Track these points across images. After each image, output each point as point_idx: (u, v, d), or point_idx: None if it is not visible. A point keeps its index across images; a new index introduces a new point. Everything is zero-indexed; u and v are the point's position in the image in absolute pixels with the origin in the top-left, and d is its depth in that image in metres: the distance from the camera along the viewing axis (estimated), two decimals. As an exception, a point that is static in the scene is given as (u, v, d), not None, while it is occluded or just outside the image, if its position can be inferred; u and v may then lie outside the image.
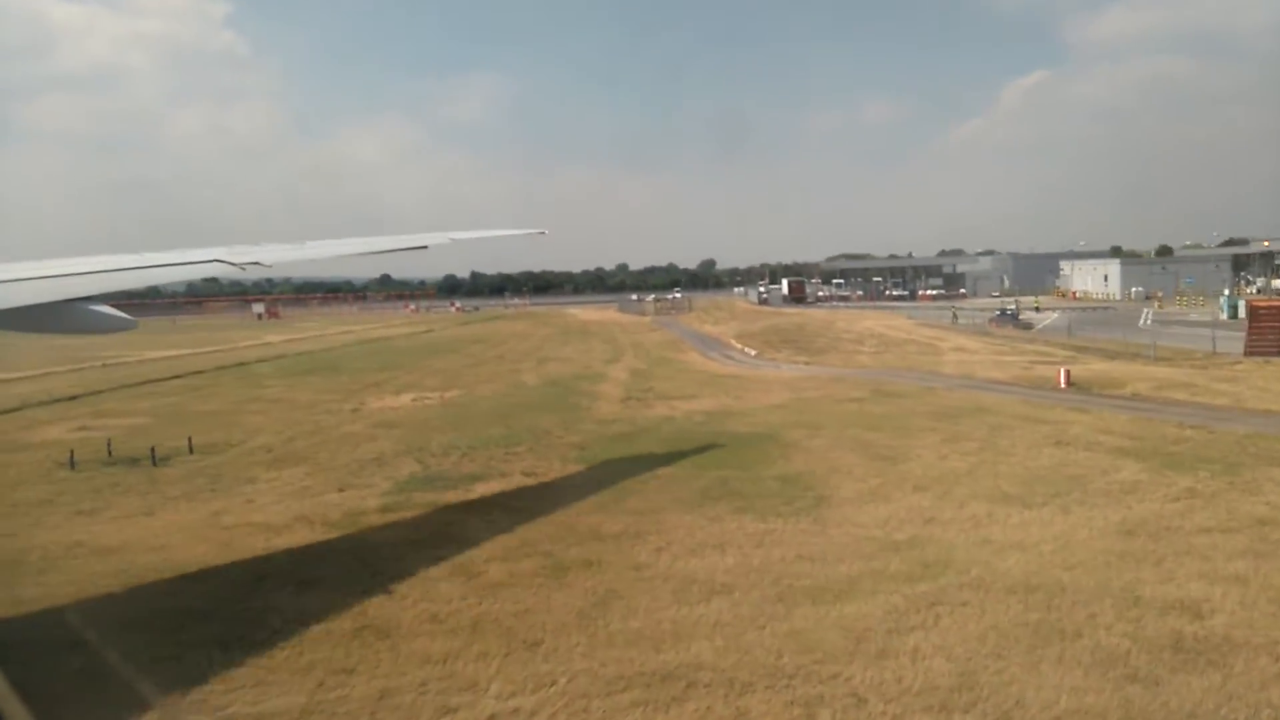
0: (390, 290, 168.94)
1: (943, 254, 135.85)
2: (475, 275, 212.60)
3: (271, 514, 14.74)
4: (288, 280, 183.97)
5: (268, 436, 23.15)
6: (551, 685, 7.96)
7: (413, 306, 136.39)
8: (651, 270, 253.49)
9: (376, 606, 10.11)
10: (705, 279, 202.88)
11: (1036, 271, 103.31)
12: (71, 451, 19.92)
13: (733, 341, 50.95)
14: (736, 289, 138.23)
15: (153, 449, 20.08)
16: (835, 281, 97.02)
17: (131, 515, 15.18)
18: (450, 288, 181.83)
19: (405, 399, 30.53)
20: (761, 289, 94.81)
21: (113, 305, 9.50)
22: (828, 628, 9.10)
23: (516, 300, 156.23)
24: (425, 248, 10.93)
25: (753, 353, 43.40)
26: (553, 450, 19.39)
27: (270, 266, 9.01)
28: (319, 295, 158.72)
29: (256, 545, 13.01)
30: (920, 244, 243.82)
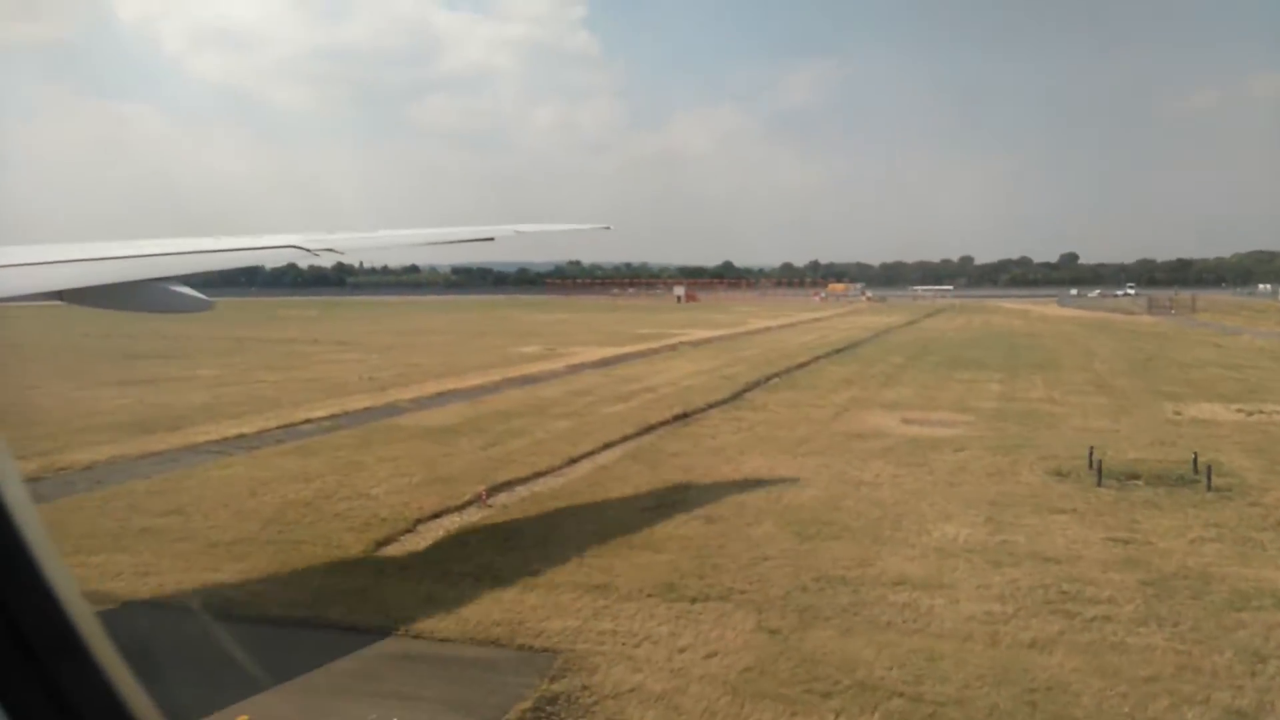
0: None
1: None
2: (814, 264, 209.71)
3: None
4: (665, 266, 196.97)
5: (1226, 454, 18.89)
6: None
7: (821, 295, 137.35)
8: (1004, 263, 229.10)
9: None
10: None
11: None
12: (1096, 460, 17.13)
13: None
14: (1261, 286, 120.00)
15: (1208, 467, 16.52)
16: None
17: None
18: (833, 274, 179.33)
19: (1227, 412, 24.94)
20: None
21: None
22: None
23: (924, 290, 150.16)
24: (492, 239, 11.45)
25: None
26: None
27: (343, 254, 10.07)
28: (725, 281, 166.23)
29: None
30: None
